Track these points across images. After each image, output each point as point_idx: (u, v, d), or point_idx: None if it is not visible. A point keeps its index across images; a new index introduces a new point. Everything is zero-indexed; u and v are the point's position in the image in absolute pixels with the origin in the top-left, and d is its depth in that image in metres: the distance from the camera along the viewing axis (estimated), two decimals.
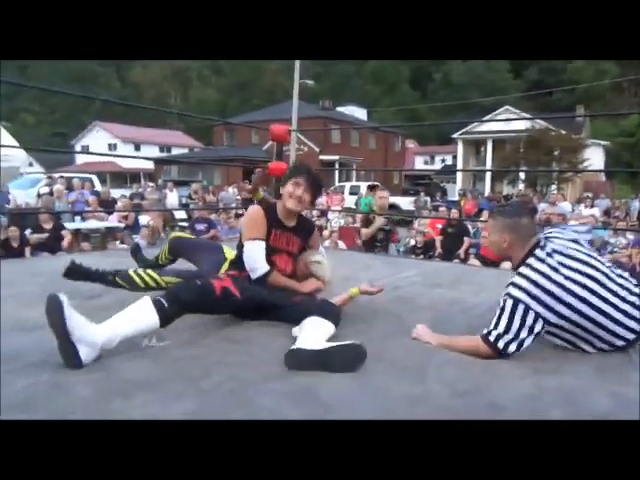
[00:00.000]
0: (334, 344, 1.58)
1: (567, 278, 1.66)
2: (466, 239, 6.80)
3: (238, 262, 2.08)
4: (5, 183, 11.12)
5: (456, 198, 18.46)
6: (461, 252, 6.64)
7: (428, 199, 15.30)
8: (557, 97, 39.55)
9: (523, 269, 1.74)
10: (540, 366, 1.61)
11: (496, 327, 1.67)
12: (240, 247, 2.10)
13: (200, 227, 7.37)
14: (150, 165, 28.27)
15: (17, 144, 10.14)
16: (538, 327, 1.66)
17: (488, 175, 26.80)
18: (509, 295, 1.70)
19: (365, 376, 1.50)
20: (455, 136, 28.95)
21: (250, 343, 1.77)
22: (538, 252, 1.75)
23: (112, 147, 34.13)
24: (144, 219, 8.77)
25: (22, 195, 10.92)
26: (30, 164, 30.94)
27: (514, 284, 1.72)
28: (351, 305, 2.17)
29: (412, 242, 7.47)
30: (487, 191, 23.15)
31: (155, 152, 34.22)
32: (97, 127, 37.29)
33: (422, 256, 6.92)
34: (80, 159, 34.01)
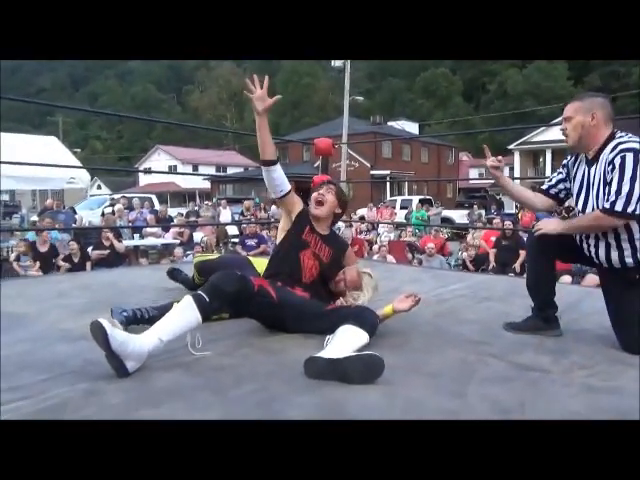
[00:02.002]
0: (352, 354, 1.52)
1: None
2: (522, 252, 6.47)
3: (270, 270, 2.11)
4: (72, 204, 11.86)
5: (513, 211, 17.78)
6: (517, 266, 6.33)
7: (482, 212, 14.79)
8: (623, 103, 37.40)
9: (624, 136, 1.76)
10: (593, 383, 1.46)
11: (618, 194, 1.67)
12: (275, 250, 2.17)
13: (251, 242, 7.50)
14: (207, 185, 29.33)
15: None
16: None
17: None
18: (626, 150, 1.69)
19: (399, 389, 1.43)
20: (511, 147, 28.05)
21: (283, 354, 1.74)
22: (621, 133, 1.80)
23: (172, 168, 35.66)
24: (198, 236, 9.06)
25: (88, 215, 11.60)
26: (98, 187, 33.01)
27: (627, 145, 1.71)
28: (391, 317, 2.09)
29: (464, 255, 7.22)
30: None
31: (212, 172, 35.45)
32: (158, 150, 39.18)
33: (474, 270, 6.66)
34: (143, 180, 35.90)
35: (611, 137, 1.80)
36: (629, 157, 1.67)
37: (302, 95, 50.59)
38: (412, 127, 33.35)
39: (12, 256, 6.31)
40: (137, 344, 1.53)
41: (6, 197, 21.28)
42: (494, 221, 8.35)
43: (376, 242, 8.48)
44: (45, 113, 43.68)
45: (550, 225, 1.90)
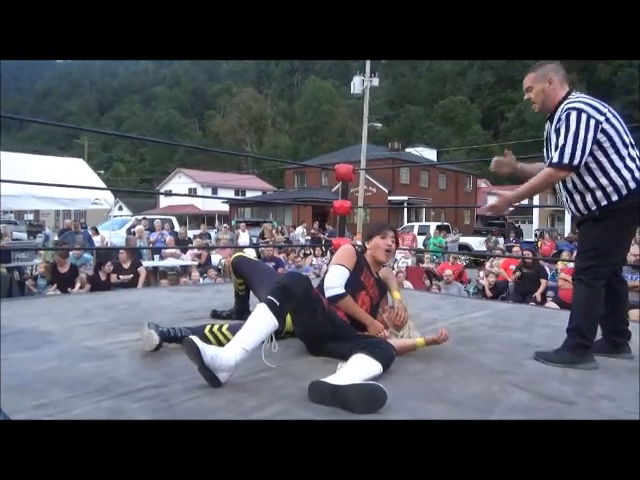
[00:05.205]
0: (356, 382, 1.52)
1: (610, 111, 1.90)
2: (543, 281, 6.38)
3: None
4: (95, 224, 12.11)
5: (532, 239, 17.57)
6: (537, 295, 6.23)
7: (501, 239, 14.65)
8: None
9: (573, 96, 1.95)
10: (620, 415, 1.43)
11: (563, 149, 1.84)
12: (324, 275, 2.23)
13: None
14: (225, 207, 29.70)
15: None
16: (597, 135, 1.85)
17: (568, 214, 25.31)
18: (571, 109, 1.87)
19: (421, 417, 1.41)
20: None
21: (305, 379, 1.73)
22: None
23: (192, 191, 36.25)
24: (216, 258, 9.14)
25: (110, 235, 11.81)
26: (120, 208, 33.65)
27: (571, 105, 1.89)
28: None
29: (483, 283, 7.14)
30: (567, 232, 21.83)
31: (231, 195, 35.91)
32: (179, 173, 39.92)
33: (493, 298, 6.57)
34: (163, 202, 36.53)
35: (566, 97, 1.98)
36: (573, 115, 1.86)
37: (321, 121, 51.33)
38: (430, 154, 33.44)
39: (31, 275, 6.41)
40: (225, 356, 1.61)
41: (31, 217, 21.86)
42: (514, 249, 8.25)
43: (393, 268, 8.44)
44: (71, 136, 45.13)
45: (500, 200, 2.04)
